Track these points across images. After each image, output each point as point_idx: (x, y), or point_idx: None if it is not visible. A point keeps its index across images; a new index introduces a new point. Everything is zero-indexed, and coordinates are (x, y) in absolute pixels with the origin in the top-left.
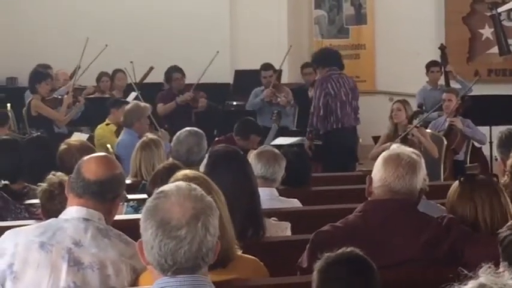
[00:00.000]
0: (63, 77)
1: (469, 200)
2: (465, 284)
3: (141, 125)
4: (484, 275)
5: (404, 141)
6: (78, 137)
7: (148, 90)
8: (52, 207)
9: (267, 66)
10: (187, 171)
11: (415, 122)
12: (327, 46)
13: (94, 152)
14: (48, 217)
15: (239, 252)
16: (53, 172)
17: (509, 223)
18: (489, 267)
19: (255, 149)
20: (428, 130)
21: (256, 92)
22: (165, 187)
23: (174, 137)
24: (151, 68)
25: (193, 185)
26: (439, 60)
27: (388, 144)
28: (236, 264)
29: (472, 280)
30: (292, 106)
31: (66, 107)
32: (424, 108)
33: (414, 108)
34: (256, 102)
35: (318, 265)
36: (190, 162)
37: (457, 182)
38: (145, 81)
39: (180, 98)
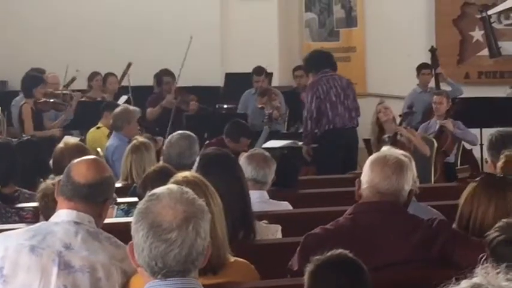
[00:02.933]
0: (53, 81)
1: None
2: (459, 284)
3: (130, 128)
4: (480, 274)
5: (394, 143)
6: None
7: (138, 94)
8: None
9: (259, 71)
10: (187, 173)
11: (404, 123)
12: (316, 49)
13: (89, 153)
14: None
15: (232, 259)
16: (48, 180)
17: (496, 225)
18: (485, 267)
19: (246, 152)
20: (418, 132)
21: (246, 95)
22: (157, 190)
23: (166, 140)
24: (129, 64)
25: (185, 189)
26: (429, 62)
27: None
28: (227, 270)
29: (466, 280)
30: (283, 119)
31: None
32: (414, 109)
33: (400, 111)
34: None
35: (308, 268)
36: (181, 166)
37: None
38: (137, 84)
39: (164, 102)
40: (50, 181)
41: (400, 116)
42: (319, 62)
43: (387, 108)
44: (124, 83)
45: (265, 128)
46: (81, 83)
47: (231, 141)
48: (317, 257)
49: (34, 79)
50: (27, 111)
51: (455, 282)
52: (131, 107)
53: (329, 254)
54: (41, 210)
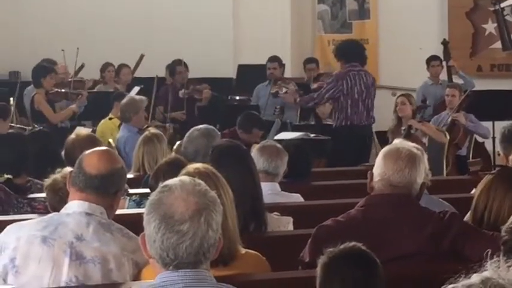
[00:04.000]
0: (62, 70)
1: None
2: (469, 277)
3: (138, 118)
4: (490, 268)
5: (408, 136)
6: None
7: (150, 85)
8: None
9: (272, 58)
10: (198, 165)
11: (418, 116)
12: (350, 39)
13: (100, 144)
14: None
15: (243, 251)
16: (58, 170)
17: (508, 223)
18: (495, 261)
19: (258, 143)
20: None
21: (259, 88)
22: (170, 181)
23: (187, 133)
24: (142, 56)
25: (198, 180)
26: (441, 55)
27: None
28: (238, 262)
29: (476, 273)
30: (298, 93)
31: (65, 116)
32: (427, 102)
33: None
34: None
35: (321, 260)
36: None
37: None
38: (148, 76)
39: (174, 114)
40: (59, 175)
41: (411, 110)
42: (351, 53)
43: (404, 104)
44: (137, 75)
45: (276, 121)
46: (92, 73)
47: (243, 133)
48: (330, 249)
49: (43, 69)
50: (40, 100)
51: (465, 276)
52: (137, 97)
53: (342, 246)
54: (51, 204)
